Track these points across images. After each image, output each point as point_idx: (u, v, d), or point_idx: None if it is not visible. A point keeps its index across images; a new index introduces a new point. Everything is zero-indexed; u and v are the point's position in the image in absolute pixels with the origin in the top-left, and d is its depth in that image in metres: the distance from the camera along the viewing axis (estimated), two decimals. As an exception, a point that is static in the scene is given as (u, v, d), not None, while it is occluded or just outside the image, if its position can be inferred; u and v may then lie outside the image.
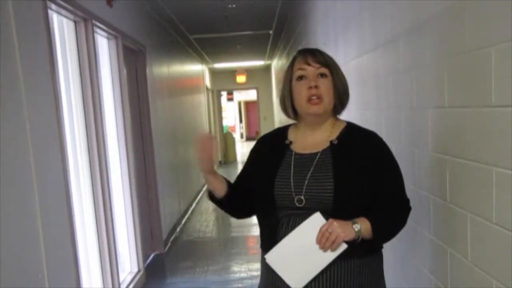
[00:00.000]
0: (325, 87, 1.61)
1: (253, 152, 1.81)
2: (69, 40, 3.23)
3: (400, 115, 2.21)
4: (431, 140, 1.84)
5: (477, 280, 1.50)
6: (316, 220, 1.52)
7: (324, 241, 1.49)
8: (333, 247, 1.49)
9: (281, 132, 1.76)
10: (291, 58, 1.72)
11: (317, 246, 1.51)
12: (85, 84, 3.32)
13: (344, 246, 1.50)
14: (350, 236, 1.50)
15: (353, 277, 1.57)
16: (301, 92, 1.62)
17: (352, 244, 1.51)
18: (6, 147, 2.11)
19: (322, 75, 1.62)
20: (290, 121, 1.78)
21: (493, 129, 1.36)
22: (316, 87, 1.60)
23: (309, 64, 1.62)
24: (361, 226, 1.51)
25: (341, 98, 1.65)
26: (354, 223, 1.51)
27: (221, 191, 1.70)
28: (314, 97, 1.60)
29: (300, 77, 1.63)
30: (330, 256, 1.51)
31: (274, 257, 1.58)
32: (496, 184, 1.35)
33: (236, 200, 1.74)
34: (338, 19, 3.53)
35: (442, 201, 1.75)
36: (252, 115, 22.37)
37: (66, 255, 2.69)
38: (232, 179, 1.80)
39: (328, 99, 1.61)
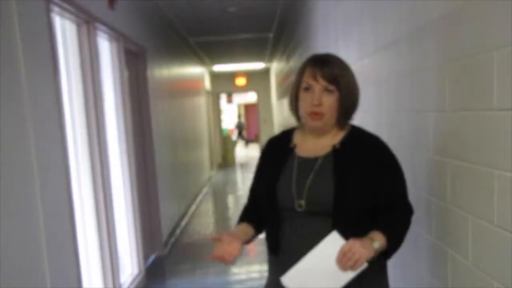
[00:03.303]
0: (329, 103, 1.60)
1: (261, 155, 1.83)
2: (71, 42, 3.24)
3: (401, 118, 2.22)
4: (432, 143, 1.86)
5: (478, 282, 1.51)
6: (334, 240, 1.51)
7: (346, 261, 1.47)
8: (355, 267, 1.48)
9: (287, 135, 1.77)
10: (294, 60, 1.74)
11: (336, 266, 1.49)
12: (86, 86, 3.33)
13: (364, 264, 1.49)
14: (371, 254, 1.49)
15: (354, 280, 1.58)
16: (304, 104, 1.63)
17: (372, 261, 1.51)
18: (9, 148, 2.13)
19: (328, 90, 1.60)
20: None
21: (494, 132, 1.37)
22: (318, 105, 1.59)
23: (316, 80, 1.59)
24: (380, 243, 1.51)
25: (346, 112, 1.64)
26: (372, 240, 1.51)
27: (248, 237, 1.73)
28: (315, 113, 1.61)
29: (307, 88, 1.62)
30: (349, 275, 1.49)
31: (292, 279, 1.55)
32: (498, 187, 1.36)
33: (260, 223, 1.75)
34: (338, 22, 3.55)
35: (443, 203, 1.76)
36: (251, 118, 22.40)
37: (67, 256, 2.70)
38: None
39: (329, 115, 1.61)
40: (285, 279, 1.55)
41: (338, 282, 1.50)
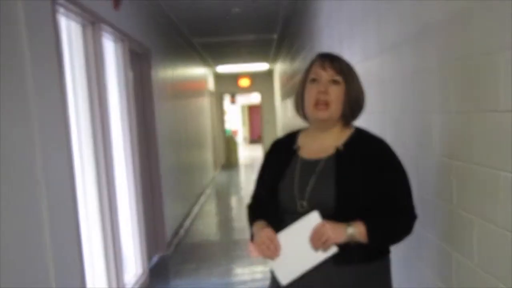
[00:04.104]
0: (335, 94, 1.61)
1: (265, 156, 1.84)
2: (76, 43, 3.26)
3: (405, 119, 2.22)
4: (437, 144, 1.86)
5: (483, 283, 1.51)
6: (313, 219, 1.54)
7: (316, 241, 1.51)
8: (323, 247, 1.51)
9: (292, 136, 1.78)
10: (299, 61, 1.75)
11: (309, 245, 1.53)
12: (91, 87, 3.34)
13: (334, 249, 1.52)
14: (341, 239, 1.51)
15: (354, 283, 1.57)
16: (310, 95, 1.64)
17: (345, 247, 1.52)
18: (14, 149, 2.14)
19: (335, 81, 1.61)
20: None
21: (500, 134, 1.37)
22: (325, 92, 1.60)
23: (324, 69, 1.62)
24: (354, 230, 1.51)
25: (352, 108, 1.64)
26: (347, 226, 1.52)
27: None
28: (321, 103, 1.61)
29: (314, 80, 1.64)
30: (320, 256, 1.53)
31: None
32: (503, 188, 1.37)
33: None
34: (342, 23, 3.55)
35: (448, 205, 1.76)
36: (254, 118, 22.41)
37: (71, 256, 2.71)
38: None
39: (335, 106, 1.61)
40: None
41: (309, 261, 1.54)
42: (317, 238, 1.51)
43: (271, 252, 1.58)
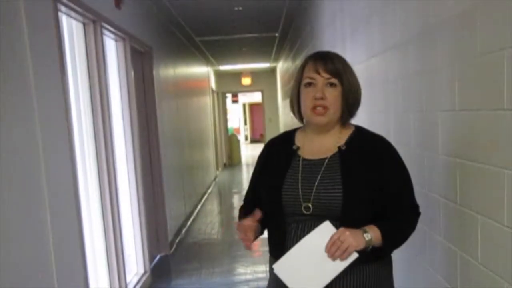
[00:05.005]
0: (332, 97, 1.57)
1: (260, 158, 1.78)
2: (78, 41, 3.25)
3: (409, 118, 2.21)
4: (441, 143, 1.85)
5: (487, 282, 1.50)
6: (326, 229, 1.49)
7: (335, 250, 1.45)
8: (343, 256, 1.46)
9: (289, 136, 1.73)
10: (300, 60, 1.72)
11: (326, 256, 1.47)
12: (93, 86, 3.33)
13: (355, 255, 1.46)
14: (361, 245, 1.47)
15: (361, 283, 1.56)
16: (307, 99, 1.60)
17: (362, 253, 1.48)
18: (17, 149, 2.13)
19: (331, 84, 1.58)
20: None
21: (504, 132, 1.36)
22: (322, 98, 1.57)
23: (318, 73, 1.57)
24: (372, 235, 1.49)
25: (349, 107, 1.61)
26: (364, 231, 1.49)
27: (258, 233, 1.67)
28: (319, 107, 1.58)
29: (309, 84, 1.59)
30: (340, 265, 1.47)
31: (282, 267, 1.54)
32: (508, 187, 1.35)
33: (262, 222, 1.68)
34: (346, 22, 3.53)
35: (453, 203, 1.75)
36: (256, 117, 22.42)
37: (74, 256, 2.71)
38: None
39: (334, 109, 1.58)
40: (276, 267, 1.54)
41: (329, 273, 1.47)
42: (336, 246, 1.45)
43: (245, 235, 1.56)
